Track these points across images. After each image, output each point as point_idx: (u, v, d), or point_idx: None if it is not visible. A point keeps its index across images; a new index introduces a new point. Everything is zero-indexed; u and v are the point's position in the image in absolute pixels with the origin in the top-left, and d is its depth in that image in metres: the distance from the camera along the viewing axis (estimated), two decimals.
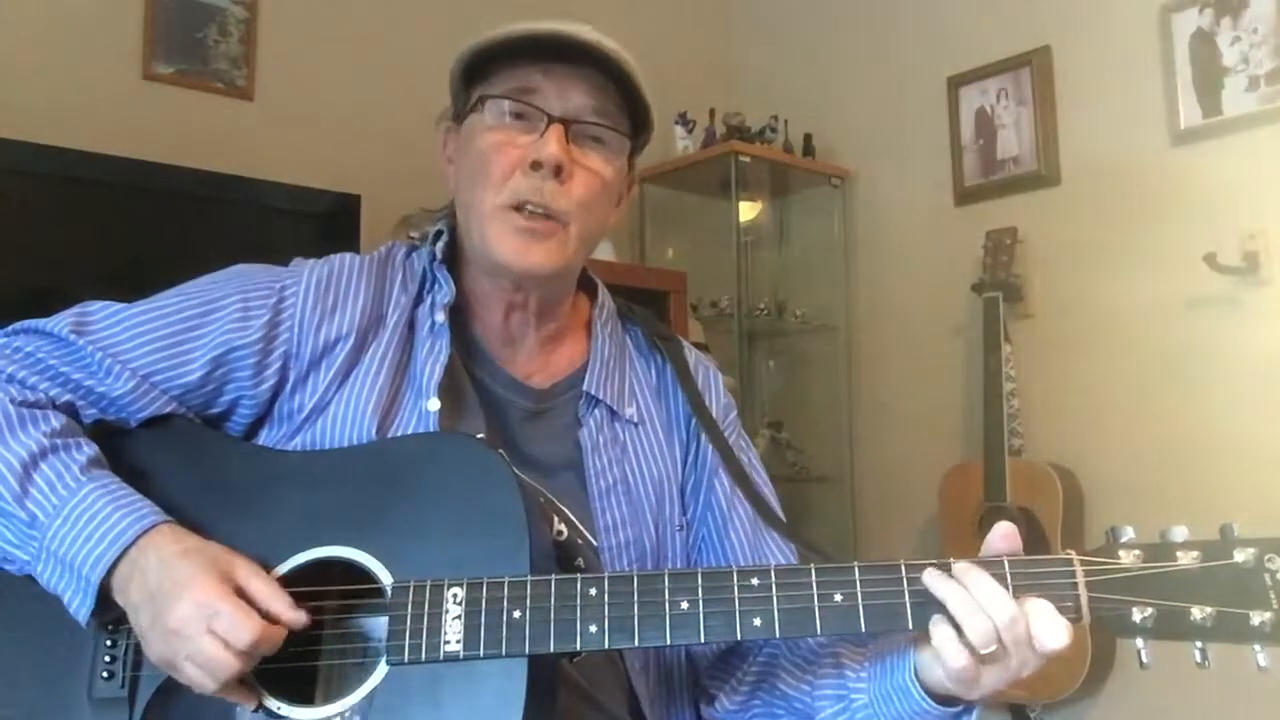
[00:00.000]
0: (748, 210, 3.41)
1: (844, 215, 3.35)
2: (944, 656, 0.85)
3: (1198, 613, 0.83)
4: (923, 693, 0.91)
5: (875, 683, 0.96)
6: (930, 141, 3.12)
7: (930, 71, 3.12)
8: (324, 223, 2.44)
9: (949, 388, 3.04)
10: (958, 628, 0.84)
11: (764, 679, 1.07)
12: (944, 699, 0.91)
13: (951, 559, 0.87)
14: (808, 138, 3.33)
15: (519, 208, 1.00)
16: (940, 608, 0.86)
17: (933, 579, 0.86)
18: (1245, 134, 2.48)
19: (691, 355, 1.19)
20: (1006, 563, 0.86)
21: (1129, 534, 0.87)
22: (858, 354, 3.31)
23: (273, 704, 0.90)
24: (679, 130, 3.32)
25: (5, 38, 2.33)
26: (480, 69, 1.05)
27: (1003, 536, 0.89)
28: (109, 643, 0.94)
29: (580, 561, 1.03)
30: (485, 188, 1.02)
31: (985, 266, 2.81)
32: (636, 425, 1.12)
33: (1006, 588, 0.85)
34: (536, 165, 1.00)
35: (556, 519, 1.04)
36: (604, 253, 2.94)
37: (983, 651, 0.84)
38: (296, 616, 0.89)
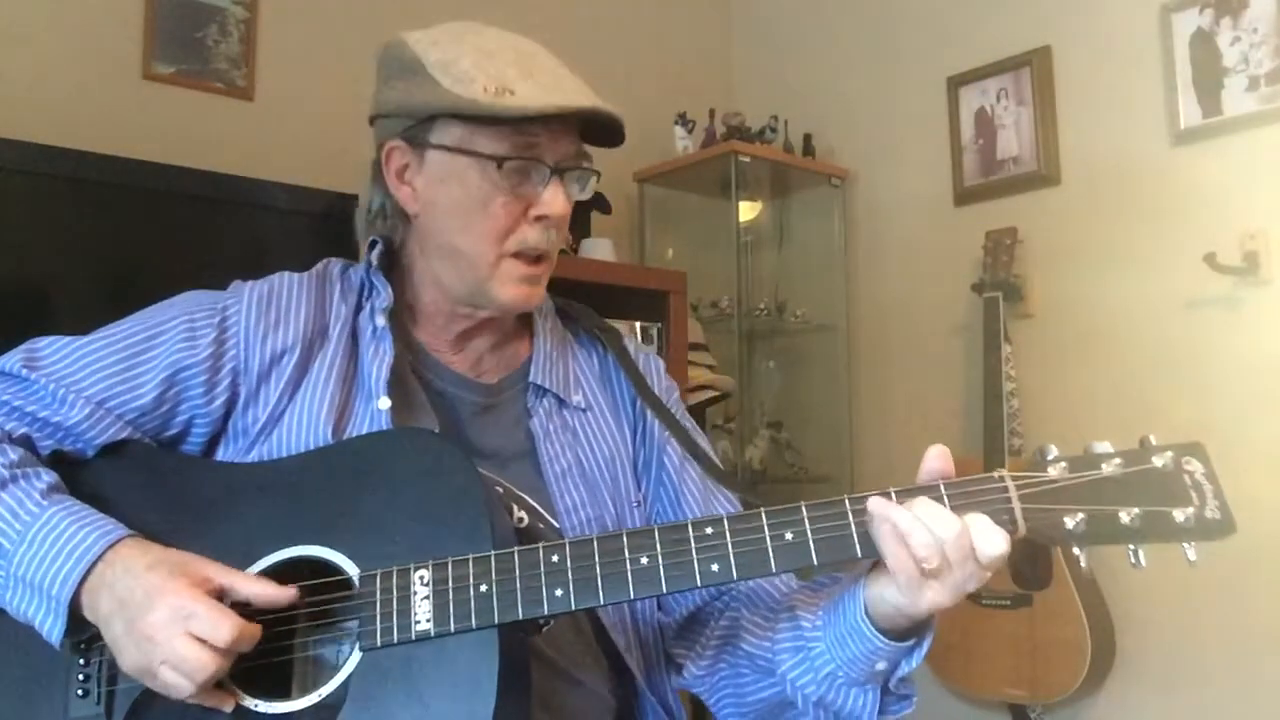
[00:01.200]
0: (748, 210, 3.41)
1: (844, 215, 3.35)
2: (890, 561, 0.88)
3: (1125, 515, 0.88)
4: (874, 629, 0.94)
5: (830, 629, 0.98)
6: (930, 141, 3.12)
7: (930, 71, 3.12)
8: (323, 223, 2.44)
9: (949, 388, 3.04)
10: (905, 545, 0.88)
11: (727, 641, 1.09)
12: (895, 635, 0.94)
13: (892, 488, 0.91)
14: (808, 138, 3.33)
15: (520, 253, 1.06)
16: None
17: (877, 503, 0.90)
18: (1245, 134, 2.48)
19: (631, 344, 1.24)
20: (943, 486, 0.91)
21: (1054, 450, 0.92)
22: (858, 354, 3.31)
23: (250, 702, 0.91)
24: (679, 130, 3.32)
25: (5, 38, 2.33)
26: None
27: (937, 455, 0.93)
28: (82, 661, 0.95)
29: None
30: (487, 238, 1.05)
31: (985, 266, 2.81)
32: (584, 411, 1.16)
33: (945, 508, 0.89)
34: (543, 218, 1.05)
35: (516, 507, 1.06)
36: (604, 253, 2.94)
37: (927, 566, 0.87)
38: (283, 593, 0.91)
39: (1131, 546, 0.89)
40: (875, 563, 0.93)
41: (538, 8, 2.99)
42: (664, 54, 3.43)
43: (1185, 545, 0.88)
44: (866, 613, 0.94)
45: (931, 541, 0.87)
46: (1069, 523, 0.88)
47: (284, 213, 2.39)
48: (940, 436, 3.08)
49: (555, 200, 1.05)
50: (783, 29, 3.59)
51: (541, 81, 1.03)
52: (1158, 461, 0.89)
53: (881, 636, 0.94)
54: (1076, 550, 0.90)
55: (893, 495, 0.91)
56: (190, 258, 2.23)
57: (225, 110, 2.61)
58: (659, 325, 2.84)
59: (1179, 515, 0.87)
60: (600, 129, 1.09)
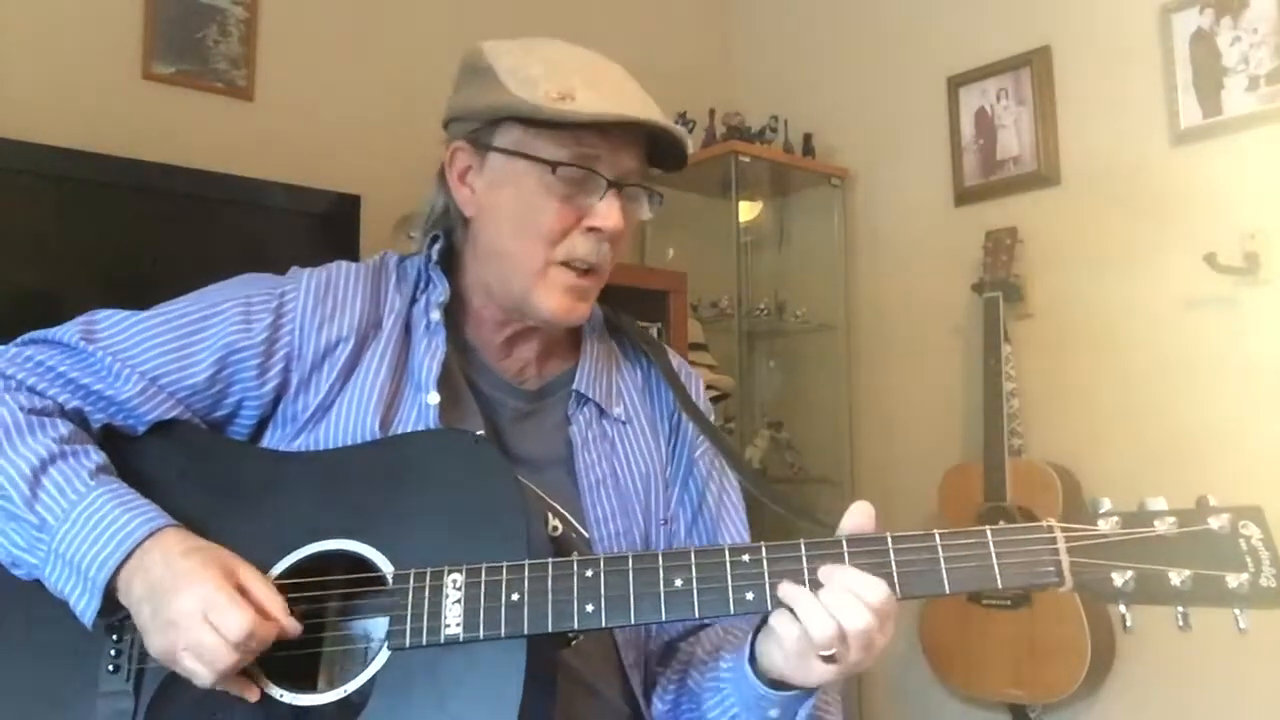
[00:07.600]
0: (748, 210, 3.41)
1: (844, 215, 3.35)
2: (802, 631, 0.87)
3: (1176, 577, 0.86)
4: (756, 678, 0.94)
5: (736, 670, 0.98)
6: (930, 141, 3.12)
7: (930, 71, 3.12)
8: (324, 223, 2.44)
9: (949, 388, 3.04)
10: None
11: (683, 675, 1.10)
12: (782, 684, 0.94)
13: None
14: (808, 138, 3.33)
15: (569, 262, 1.05)
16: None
17: (786, 589, 0.88)
18: (1245, 134, 2.48)
19: (675, 359, 1.24)
20: (989, 532, 0.88)
21: (1107, 504, 0.90)
22: (858, 354, 3.30)
23: (275, 691, 0.92)
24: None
25: (5, 38, 2.33)
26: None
27: (861, 514, 0.91)
28: (114, 637, 0.96)
29: (575, 555, 1.04)
30: (537, 242, 1.05)
31: (985, 266, 2.81)
32: (624, 423, 1.16)
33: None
34: (596, 230, 1.04)
35: (550, 515, 1.06)
36: None
37: (822, 653, 0.86)
38: (291, 624, 0.91)
39: (1180, 609, 0.87)
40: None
41: (538, 8, 2.99)
42: (664, 54, 3.43)
43: (1236, 611, 0.86)
44: (753, 658, 0.95)
45: (830, 631, 0.86)
46: (1117, 580, 0.87)
47: (284, 213, 2.39)
48: (940, 436, 3.10)
49: (610, 213, 1.04)
50: (783, 29, 3.59)
51: (604, 92, 1.03)
52: (1214, 523, 0.87)
53: (764, 685, 0.94)
54: (1121, 608, 0.89)
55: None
56: (190, 258, 2.23)
57: (225, 110, 2.61)
58: (659, 325, 2.84)
59: (1232, 581, 0.85)
60: (664, 152, 1.09)
